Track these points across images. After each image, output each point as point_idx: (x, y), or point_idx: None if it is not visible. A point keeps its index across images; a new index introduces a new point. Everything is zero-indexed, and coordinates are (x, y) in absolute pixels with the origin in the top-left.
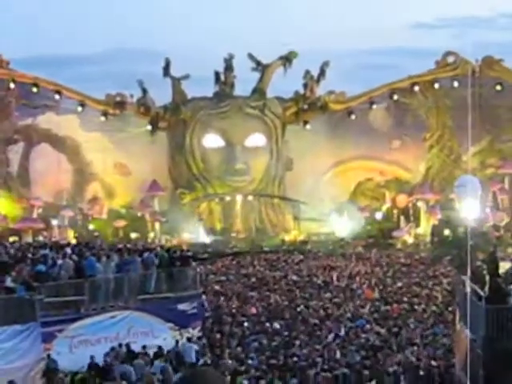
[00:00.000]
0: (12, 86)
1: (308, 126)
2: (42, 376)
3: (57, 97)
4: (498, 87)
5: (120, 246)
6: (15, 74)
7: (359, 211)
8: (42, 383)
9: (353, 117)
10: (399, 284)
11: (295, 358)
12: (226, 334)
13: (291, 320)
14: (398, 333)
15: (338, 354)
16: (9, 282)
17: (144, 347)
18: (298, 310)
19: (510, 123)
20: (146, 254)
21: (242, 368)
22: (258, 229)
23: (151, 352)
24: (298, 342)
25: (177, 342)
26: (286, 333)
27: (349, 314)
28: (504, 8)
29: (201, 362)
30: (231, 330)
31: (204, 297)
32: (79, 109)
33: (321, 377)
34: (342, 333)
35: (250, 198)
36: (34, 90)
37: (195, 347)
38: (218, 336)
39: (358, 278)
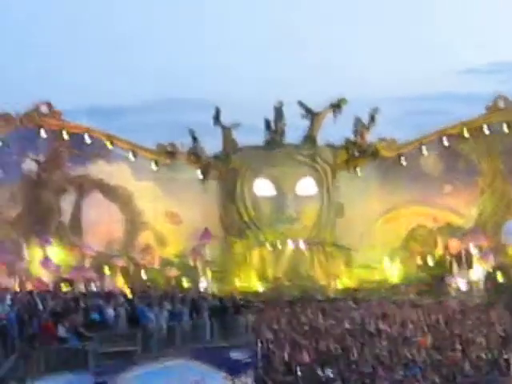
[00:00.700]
0: (64, 136)
1: (359, 172)
2: None
3: (108, 146)
4: None
5: (172, 294)
6: (67, 125)
7: (411, 257)
8: None
9: (404, 163)
10: (453, 331)
11: None
12: (279, 382)
13: (345, 368)
14: (453, 380)
15: None
16: (61, 332)
17: None
18: (352, 358)
19: None
20: (198, 302)
21: None
22: (309, 276)
23: None
24: None
25: None
26: (339, 382)
27: (402, 362)
28: None
29: None
30: (284, 379)
31: (257, 345)
32: (131, 158)
33: None
34: (397, 381)
35: (302, 245)
36: (86, 140)
37: None
38: None
39: (411, 325)
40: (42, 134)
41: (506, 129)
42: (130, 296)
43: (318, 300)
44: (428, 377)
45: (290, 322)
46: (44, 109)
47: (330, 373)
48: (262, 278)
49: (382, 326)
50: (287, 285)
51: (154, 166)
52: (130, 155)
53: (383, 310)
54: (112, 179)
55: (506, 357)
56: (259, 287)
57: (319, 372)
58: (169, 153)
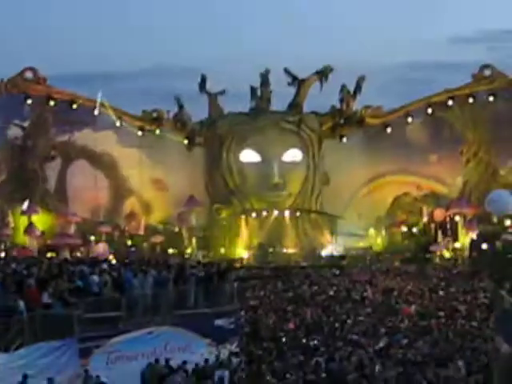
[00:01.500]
0: (49, 102)
1: (344, 140)
2: None
3: (94, 113)
4: None
5: (157, 261)
6: (52, 91)
7: (396, 226)
8: None
9: (389, 131)
10: (437, 299)
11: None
12: (264, 349)
13: (329, 335)
14: (437, 348)
15: (377, 369)
16: (46, 298)
17: (184, 362)
18: (336, 325)
19: None
20: (183, 269)
21: None
22: (294, 244)
23: (189, 368)
24: (336, 358)
25: (216, 356)
26: (323, 348)
27: (386, 329)
28: None
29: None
30: (269, 346)
31: (241, 312)
32: (117, 124)
33: None
34: (381, 348)
35: (287, 213)
36: (72, 106)
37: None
38: (256, 351)
39: (395, 293)
40: (27, 100)
41: (491, 98)
42: (114, 262)
43: (303, 267)
44: (412, 344)
45: (275, 288)
46: (29, 74)
47: (314, 340)
48: (247, 245)
49: (366, 293)
50: (272, 252)
51: (139, 133)
52: (116, 122)
53: (368, 277)
54: (97, 146)
55: (489, 324)
56: (244, 254)
57: (303, 339)
58: (154, 119)
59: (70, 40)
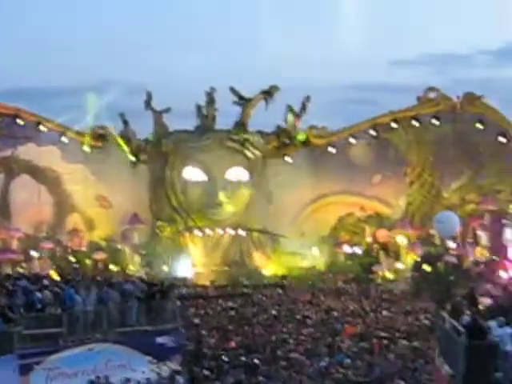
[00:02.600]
0: None
1: (289, 160)
2: None
3: (38, 128)
4: (479, 124)
5: (99, 278)
6: None
7: (340, 246)
8: None
9: (334, 151)
10: (379, 319)
11: None
12: (205, 367)
13: (270, 354)
14: (378, 368)
15: None
16: None
17: (126, 380)
18: (278, 344)
19: (491, 159)
20: (125, 287)
21: None
22: (237, 262)
23: None
24: (277, 377)
25: (158, 374)
26: (265, 367)
27: (328, 349)
28: (483, 45)
29: None
30: (210, 364)
31: (183, 330)
32: (62, 139)
33: None
34: (322, 368)
35: (230, 231)
36: (16, 121)
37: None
38: (197, 370)
39: (337, 313)
40: None
41: (435, 120)
42: (56, 279)
43: (246, 286)
44: (353, 364)
45: (217, 307)
46: None
47: (255, 359)
48: (190, 263)
49: (308, 313)
50: (215, 270)
51: (84, 149)
52: (63, 138)
53: (310, 297)
54: (41, 161)
55: (430, 345)
56: (187, 273)
57: (245, 358)
58: (99, 136)
59: (15, 54)
